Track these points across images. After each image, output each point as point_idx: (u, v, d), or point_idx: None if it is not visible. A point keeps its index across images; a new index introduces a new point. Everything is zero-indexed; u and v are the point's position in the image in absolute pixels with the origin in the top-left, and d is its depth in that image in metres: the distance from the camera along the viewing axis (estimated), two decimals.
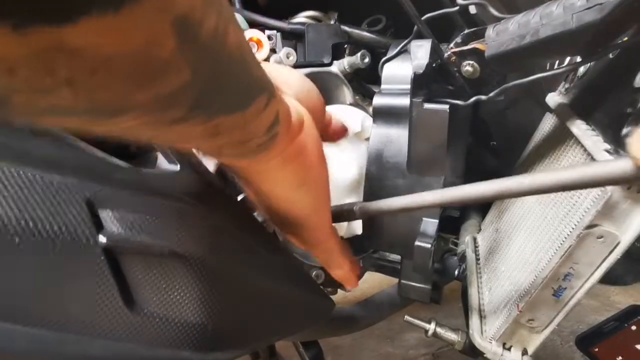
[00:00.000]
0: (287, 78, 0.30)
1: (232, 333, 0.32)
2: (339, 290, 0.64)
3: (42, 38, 0.11)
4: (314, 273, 0.57)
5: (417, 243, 0.38)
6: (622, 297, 1.26)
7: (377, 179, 0.42)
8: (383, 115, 0.42)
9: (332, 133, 0.35)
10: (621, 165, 0.19)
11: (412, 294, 0.45)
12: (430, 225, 0.40)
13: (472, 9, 0.47)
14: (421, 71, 0.42)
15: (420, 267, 0.39)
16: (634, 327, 0.64)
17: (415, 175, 0.41)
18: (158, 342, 0.28)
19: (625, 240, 0.31)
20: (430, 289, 0.44)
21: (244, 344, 0.34)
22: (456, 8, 0.43)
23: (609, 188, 0.30)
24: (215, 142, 0.21)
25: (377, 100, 0.42)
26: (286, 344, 0.73)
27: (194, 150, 0.34)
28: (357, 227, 0.53)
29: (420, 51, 0.43)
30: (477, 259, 0.52)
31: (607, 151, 0.30)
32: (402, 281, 0.44)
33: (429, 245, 0.37)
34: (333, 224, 0.35)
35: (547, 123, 0.48)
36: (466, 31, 0.45)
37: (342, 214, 0.36)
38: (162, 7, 0.13)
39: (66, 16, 0.10)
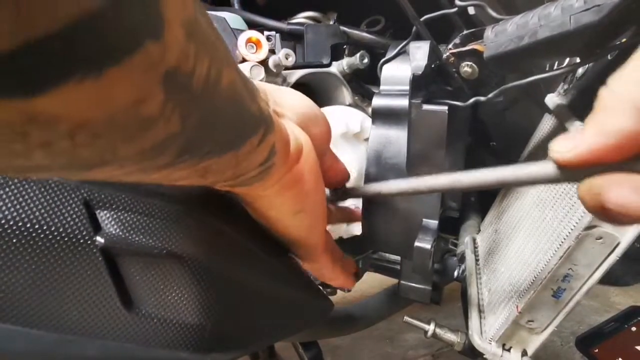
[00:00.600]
0: (292, 102, 0.29)
1: (230, 334, 0.32)
2: (338, 290, 0.64)
3: (10, 110, 0.10)
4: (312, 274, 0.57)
5: (416, 244, 0.38)
6: (622, 298, 1.26)
7: (376, 180, 0.42)
8: (382, 116, 0.42)
9: (333, 176, 0.35)
10: (546, 168, 0.21)
11: (412, 295, 0.45)
12: (430, 226, 0.40)
13: (471, 10, 0.47)
14: (420, 72, 0.42)
15: (420, 268, 0.39)
16: (634, 328, 0.64)
17: (414, 176, 0.41)
18: (156, 343, 0.28)
19: (625, 241, 0.31)
20: (431, 290, 0.44)
21: (243, 345, 0.34)
22: (455, 9, 0.43)
23: None
24: (206, 181, 0.21)
25: (376, 102, 0.42)
26: (285, 344, 0.73)
27: None
28: (355, 228, 0.53)
29: (419, 52, 0.43)
30: (477, 260, 0.52)
31: None
32: (402, 282, 0.44)
33: (429, 246, 0.37)
34: (329, 227, 0.36)
35: (546, 124, 0.48)
36: (465, 32, 0.45)
37: (334, 194, 0.38)
38: (150, 64, 0.12)
39: (35, 88, 0.10)
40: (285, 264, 0.39)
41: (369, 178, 0.42)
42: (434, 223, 0.40)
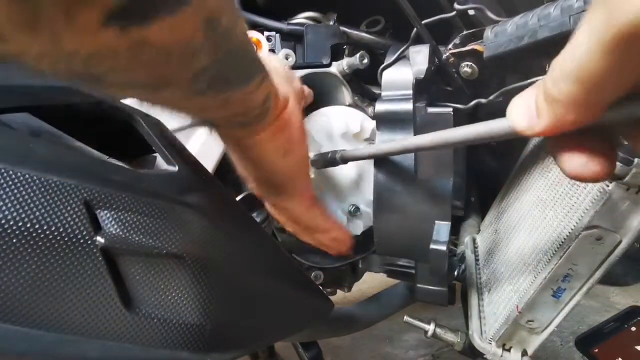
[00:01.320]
0: (274, 66, 0.34)
1: (230, 334, 0.32)
2: (338, 290, 0.64)
3: (135, 34, 0.16)
4: (312, 274, 0.57)
5: (432, 246, 0.38)
6: (622, 298, 1.26)
7: (386, 186, 0.42)
8: (387, 121, 0.42)
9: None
10: (502, 124, 0.24)
11: (430, 298, 0.45)
12: (443, 228, 0.40)
13: (471, 11, 0.47)
14: (422, 76, 0.42)
15: (437, 270, 0.39)
16: (633, 328, 0.64)
17: (425, 179, 0.41)
18: (156, 342, 0.28)
19: (625, 241, 0.31)
20: (447, 292, 0.43)
21: (243, 345, 0.34)
22: (453, 13, 0.43)
23: (608, 189, 0.30)
24: (226, 112, 0.28)
25: (380, 107, 0.42)
26: (285, 344, 0.73)
27: (192, 151, 0.34)
28: (356, 227, 0.53)
29: (419, 57, 0.43)
30: (477, 260, 0.52)
31: None
32: (419, 285, 0.44)
33: (445, 248, 0.38)
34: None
35: None
36: (464, 32, 0.45)
37: (325, 161, 0.42)
38: (197, 11, 0.19)
39: (149, 19, 0.16)
40: (286, 263, 0.39)
41: (378, 185, 0.42)
42: (446, 224, 0.40)
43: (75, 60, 0.16)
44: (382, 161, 0.41)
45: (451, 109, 0.40)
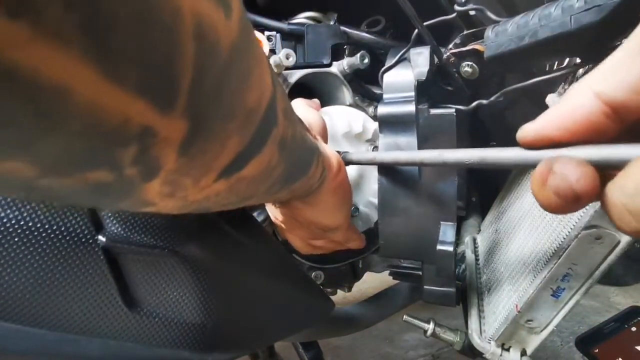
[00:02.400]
0: (311, 120, 0.39)
1: (231, 333, 0.32)
2: (338, 290, 0.64)
3: (234, 178, 0.21)
4: (313, 274, 0.57)
5: (439, 247, 0.38)
6: (622, 298, 1.26)
7: (390, 188, 0.42)
8: (389, 124, 0.42)
9: None
10: (511, 152, 0.23)
11: (438, 300, 0.44)
12: (449, 228, 0.40)
13: (471, 11, 0.47)
14: (423, 78, 0.42)
15: (444, 271, 0.39)
16: (634, 328, 0.64)
17: (429, 180, 0.41)
18: (157, 341, 0.28)
19: (624, 241, 0.31)
20: (455, 293, 0.43)
21: (243, 344, 0.34)
22: (453, 15, 0.43)
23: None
24: (291, 195, 0.33)
25: (382, 110, 0.42)
26: (286, 344, 0.73)
27: None
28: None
29: (420, 58, 0.43)
30: (477, 260, 0.52)
31: None
32: (426, 287, 0.44)
33: (451, 249, 0.38)
34: None
35: None
36: (465, 32, 0.45)
37: None
38: (274, 141, 0.23)
39: (243, 165, 0.21)
40: (286, 263, 0.39)
41: (382, 188, 0.42)
42: (452, 225, 0.40)
43: (192, 205, 0.20)
44: (386, 167, 0.41)
45: (454, 110, 0.40)
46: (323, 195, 0.37)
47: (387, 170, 0.41)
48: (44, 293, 0.25)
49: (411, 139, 0.41)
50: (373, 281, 0.88)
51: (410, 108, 0.41)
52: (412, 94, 0.42)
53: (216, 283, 0.30)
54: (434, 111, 0.41)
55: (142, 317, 0.27)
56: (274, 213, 0.41)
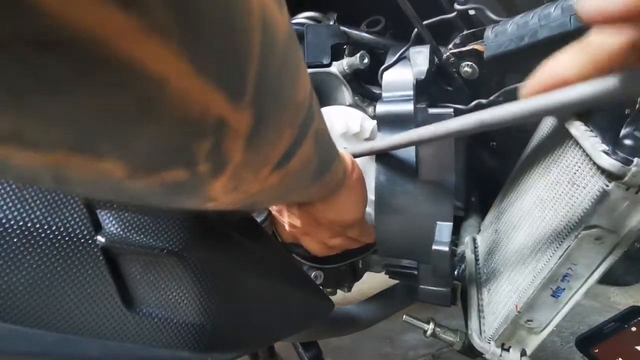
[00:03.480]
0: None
1: (230, 333, 0.32)
2: (338, 290, 0.64)
3: (283, 171, 0.22)
4: (313, 274, 0.57)
5: (434, 247, 0.38)
6: (622, 298, 1.26)
7: (388, 187, 0.42)
8: (388, 123, 0.42)
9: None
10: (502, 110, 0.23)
11: (433, 299, 0.44)
12: (445, 228, 0.40)
13: (471, 10, 0.47)
14: (422, 77, 0.42)
15: (439, 271, 0.39)
16: (634, 329, 0.64)
17: (426, 179, 0.41)
18: (156, 342, 0.28)
19: (624, 241, 0.31)
20: (451, 292, 0.43)
21: (243, 345, 0.34)
22: (454, 14, 0.43)
23: (608, 189, 0.30)
24: (323, 191, 0.35)
25: (381, 108, 0.42)
26: (286, 344, 0.73)
27: None
28: None
29: (420, 57, 0.43)
30: (477, 260, 0.52)
31: (605, 152, 0.30)
32: (422, 287, 0.44)
33: (447, 249, 0.37)
34: None
35: (547, 124, 0.48)
36: (465, 32, 0.45)
37: None
38: (312, 134, 0.24)
39: (290, 158, 0.22)
40: (286, 263, 0.39)
41: (379, 186, 0.42)
42: (448, 225, 0.40)
43: (248, 199, 0.21)
44: (383, 162, 0.41)
45: (452, 110, 0.40)
46: (345, 192, 0.38)
47: (385, 168, 0.41)
48: (43, 293, 0.25)
49: (407, 131, 0.40)
50: (373, 281, 0.87)
51: (409, 107, 0.41)
52: (411, 92, 0.42)
53: (215, 283, 0.30)
54: (432, 110, 0.41)
55: (141, 318, 0.27)
56: (291, 220, 0.42)
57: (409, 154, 0.40)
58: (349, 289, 0.64)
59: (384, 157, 0.42)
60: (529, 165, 0.48)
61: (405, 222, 0.42)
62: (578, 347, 0.64)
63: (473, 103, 0.42)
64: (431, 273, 0.40)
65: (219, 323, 0.31)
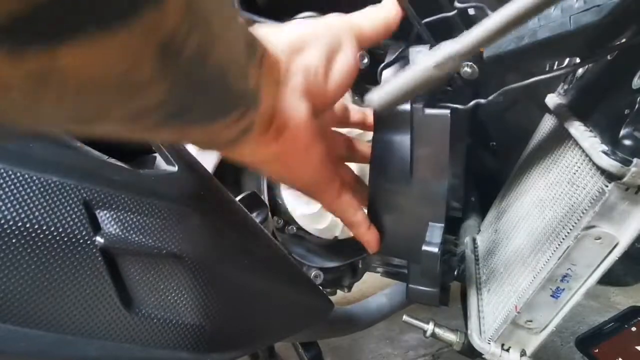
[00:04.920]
0: (304, 50, 0.28)
1: (230, 334, 0.32)
2: (338, 290, 0.64)
3: (36, 60, 0.11)
4: (312, 274, 0.57)
5: (424, 248, 0.38)
6: (623, 298, 1.26)
7: (380, 185, 0.42)
8: (384, 121, 0.42)
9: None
10: None
11: (421, 299, 0.44)
12: (436, 229, 0.40)
13: (471, 11, 0.47)
14: None
15: (428, 272, 0.39)
16: (634, 329, 0.64)
17: (419, 180, 0.41)
18: (155, 342, 0.28)
19: (624, 241, 0.31)
20: (439, 293, 0.43)
21: (243, 345, 0.34)
22: (453, 12, 0.43)
23: (607, 189, 0.30)
24: (184, 141, 0.25)
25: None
26: (285, 344, 0.73)
27: (191, 150, 0.34)
28: None
29: (419, 57, 0.43)
30: (477, 260, 0.52)
31: (604, 152, 0.30)
32: (411, 286, 0.44)
33: (437, 250, 0.37)
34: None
35: (546, 124, 0.48)
36: (465, 32, 0.45)
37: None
38: (148, 32, 0.13)
39: (59, 38, 0.11)
40: (285, 263, 0.39)
41: (372, 183, 0.42)
42: (440, 226, 0.40)
43: None
44: (376, 160, 0.41)
45: (449, 111, 0.40)
46: (247, 157, 0.28)
47: (379, 167, 0.41)
48: (41, 294, 0.25)
49: (404, 138, 0.40)
50: (373, 281, 0.88)
51: (406, 106, 0.41)
52: None
53: (214, 284, 0.30)
54: (428, 111, 0.41)
55: (140, 319, 0.27)
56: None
57: (403, 154, 0.40)
58: (349, 289, 0.64)
59: (377, 153, 0.41)
60: (528, 166, 0.48)
61: (397, 221, 0.41)
62: (578, 347, 0.64)
63: (472, 103, 0.42)
64: (420, 273, 0.40)
65: (218, 324, 0.31)
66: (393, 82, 0.30)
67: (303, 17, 0.56)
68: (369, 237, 0.39)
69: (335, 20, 0.32)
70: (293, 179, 0.31)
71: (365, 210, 0.39)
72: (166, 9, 0.13)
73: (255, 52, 0.23)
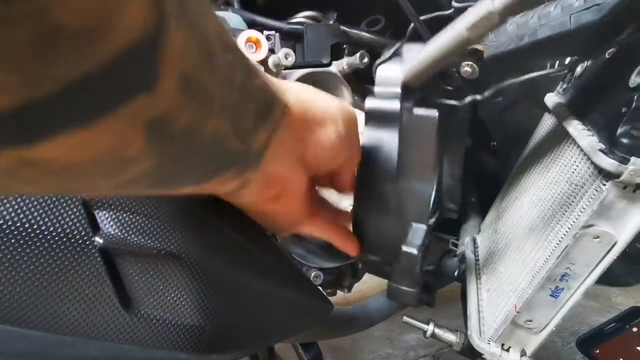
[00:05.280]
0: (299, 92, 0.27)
1: (229, 335, 0.32)
2: (338, 291, 0.64)
3: (10, 157, 0.11)
4: (312, 274, 0.57)
5: (404, 249, 0.38)
6: (623, 299, 1.26)
7: (366, 182, 0.42)
8: (374, 118, 0.41)
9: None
10: None
11: (400, 298, 0.44)
12: (419, 231, 0.40)
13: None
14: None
15: (407, 272, 0.39)
16: (635, 329, 0.64)
17: (405, 181, 0.41)
18: (155, 343, 0.28)
19: (622, 240, 0.31)
20: (417, 293, 0.43)
21: (242, 346, 0.34)
22: (450, 11, 0.43)
23: (605, 188, 0.30)
24: (174, 195, 0.22)
25: (369, 104, 0.42)
26: (285, 345, 0.73)
27: None
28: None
29: (412, 55, 0.43)
30: (477, 260, 0.51)
31: (602, 151, 0.30)
32: (391, 284, 0.44)
33: (416, 252, 0.37)
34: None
35: (546, 123, 0.48)
36: None
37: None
38: (136, 114, 0.12)
39: (33, 138, 0.11)
40: (285, 264, 0.39)
41: (359, 179, 0.41)
42: (423, 227, 0.40)
43: None
44: (365, 160, 0.41)
45: (437, 113, 0.40)
46: (238, 203, 0.27)
47: (366, 161, 0.41)
48: (40, 295, 0.24)
49: (393, 136, 0.40)
50: (373, 282, 0.87)
51: (396, 105, 0.40)
52: (399, 90, 0.41)
53: (214, 284, 0.30)
54: (417, 111, 0.41)
55: (140, 319, 0.27)
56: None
57: (391, 153, 0.40)
58: (349, 290, 0.64)
59: (366, 149, 0.41)
60: (528, 165, 0.48)
61: (381, 220, 0.41)
62: (579, 347, 0.64)
63: (467, 99, 0.42)
64: (399, 272, 0.40)
65: (218, 324, 0.31)
66: (424, 51, 0.29)
67: (303, 17, 0.56)
68: (348, 247, 0.38)
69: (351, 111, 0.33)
70: (276, 226, 0.31)
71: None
72: (157, 92, 0.13)
73: (272, 112, 0.22)
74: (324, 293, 0.49)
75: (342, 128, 0.30)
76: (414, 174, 0.40)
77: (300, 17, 0.56)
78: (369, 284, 0.88)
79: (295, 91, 0.27)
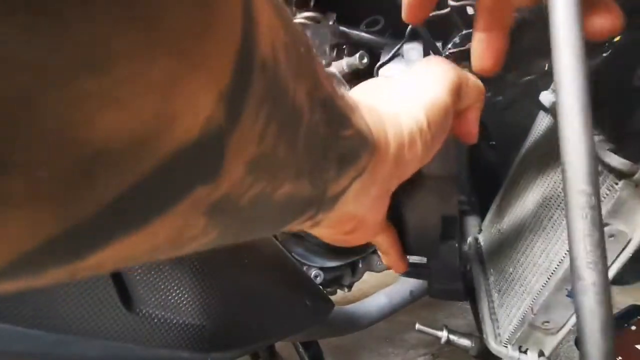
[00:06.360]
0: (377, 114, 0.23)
1: (230, 333, 0.32)
2: (338, 290, 0.64)
3: (63, 271, 0.10)
4: (312, 273, 0.57)
5: (442, 242, 0.37)
6: (622, 297, 1.26)
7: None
8: None
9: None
10: None
11: (446, 296, 0.44)
12: (450, 220, 0.39)
13: (470, 10, 0.47)
14: None
15: (448, 266, 0.38)
16: (634, 327, 0.64)
17: (429, 172, 0.40)
18: (156, 342, 0.28)
19: (636, 238, 0.31)
20: (462, 286, 0.43)
21: (243, 344, 0.34)
22: (447, 10, 0.43)
23: (617, 187, 0.30)
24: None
25: None
26: (285, 344, 0.73)
27: None
28: None
29: (413, 54, 0.43)
30: (482, 261, 0.51)
31: (611, 150, 0.30)
32: (433, 283, 0.43)
33: (455, 242, 0.37)
34: None
35: (542, 122, 0.48)
36: (464, 32, 0.45)
37: None
38: (195, 205, 0.11)
39: (85, 253, 0.09)
40: (285, 263, 0.39)
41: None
42: (454, 218, 0.39)
43: None
44: None
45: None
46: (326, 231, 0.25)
47: None
48: (42, 294, 0.24)
49: None
50: (373, 281, 0.88)
51: None
52: None
53: (215, 283, 0.30)
54: None
55: (141, 318, 0.27)
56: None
57: None
58: (349, 289, 0.64)
59: None
60: (528, 164, 0.47)
61: (408, 215, 0.41)
62: (577, 346, 0.64)
63: None
64: (440, 268, 0.40)
65: (219, 323, 0.31)
66: None
67: (302, 18, 0.56)
68: (399, 266, 0.37)
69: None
70: (345, 245, 0.29)
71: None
72: (220, 181, 0.11)
73: (357, 160, 0.20)
74: (325, 292, 0.49)
75: (429, 136, 0.25)
76: (437, 165, 0.40)
77: (300, 17, 0.56)
78: (369, 283, 0.88)
79: (394, 122, 0.23)
